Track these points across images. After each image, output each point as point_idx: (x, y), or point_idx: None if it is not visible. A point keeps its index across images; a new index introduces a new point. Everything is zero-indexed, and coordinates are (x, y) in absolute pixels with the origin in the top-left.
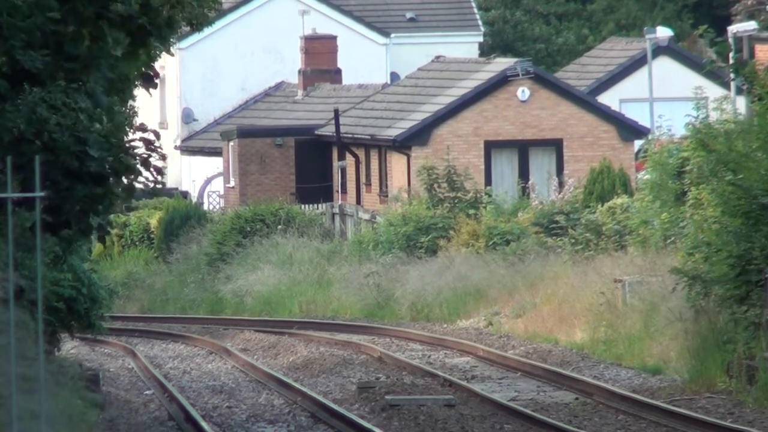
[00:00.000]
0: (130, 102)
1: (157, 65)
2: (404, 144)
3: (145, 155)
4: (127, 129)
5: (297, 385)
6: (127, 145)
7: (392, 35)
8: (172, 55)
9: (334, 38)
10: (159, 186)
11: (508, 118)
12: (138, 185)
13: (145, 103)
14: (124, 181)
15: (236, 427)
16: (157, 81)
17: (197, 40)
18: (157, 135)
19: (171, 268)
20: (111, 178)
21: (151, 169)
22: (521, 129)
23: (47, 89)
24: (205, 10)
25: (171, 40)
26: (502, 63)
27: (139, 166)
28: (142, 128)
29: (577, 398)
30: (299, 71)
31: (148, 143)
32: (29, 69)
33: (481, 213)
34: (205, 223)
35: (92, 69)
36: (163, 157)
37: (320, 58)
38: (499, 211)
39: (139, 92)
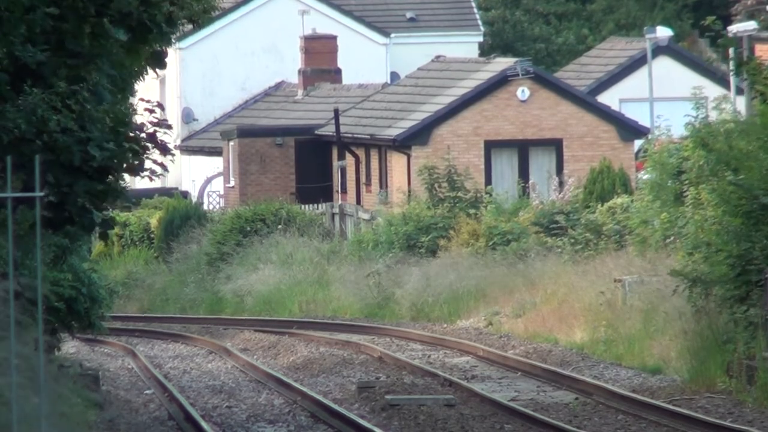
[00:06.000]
0: (131, 99)
1: None
2: (404, 144)
3: (151, 130)
4: (129, 121)
5: (297, 385)
6: (132, 132)
7: (392, 35)
8: (172, 43)
9: (334, 38)
10: (166, 166)
11: (508, 117)
12: (145, 172)
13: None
14: (131, 159)
15: (236, 426)
16: (165, 60)
17: (197, 40)
18: (161, 106)
19: (171, 267)
20: (115, 171)
21: (159, 143)
22: (521, 129)
23: (48, 90)
24: (205, 8)
25: (171, 37)
26: (502, 63)
27: (145, 143)
28: (144, 100)
29: (577, 398)
30: (299, 71)
31: (151, 113)
32: (29, 64)
33: (482, 213)
34: (205, 223)
35: (94, 65)
36: (169, 127)
37: (320, 58)
38: (499, 211)
39: (139, 91)
